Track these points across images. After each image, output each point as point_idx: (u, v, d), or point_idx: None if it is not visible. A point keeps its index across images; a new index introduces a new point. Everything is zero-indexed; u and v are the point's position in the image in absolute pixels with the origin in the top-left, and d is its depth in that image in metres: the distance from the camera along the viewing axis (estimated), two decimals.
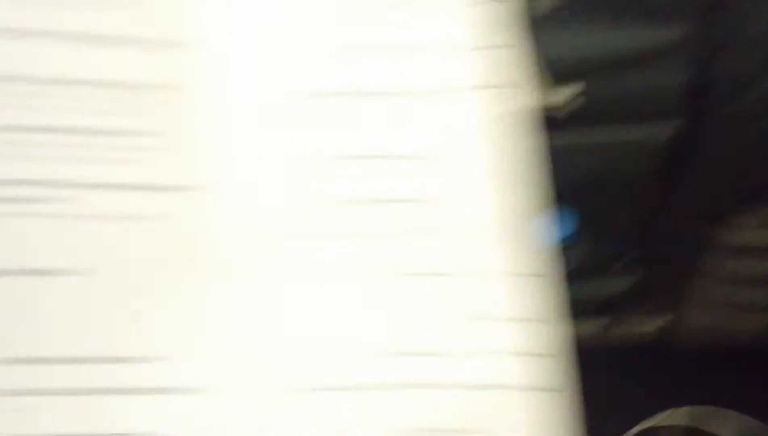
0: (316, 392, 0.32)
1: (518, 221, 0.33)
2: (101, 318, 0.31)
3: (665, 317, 0.51)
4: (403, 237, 0.33)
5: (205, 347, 0.32)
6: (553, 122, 0.40)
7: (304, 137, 0.33)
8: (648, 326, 0.50)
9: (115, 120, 0.32)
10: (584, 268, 0.49)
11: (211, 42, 0.34)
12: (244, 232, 0.33)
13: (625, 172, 0.48)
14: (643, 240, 0.50)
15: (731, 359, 0.50)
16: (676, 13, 0.44)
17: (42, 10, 0.32)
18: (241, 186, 0.33)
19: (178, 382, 0.32)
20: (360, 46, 0.34)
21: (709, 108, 0.45)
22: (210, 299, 0.32)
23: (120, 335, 0.31)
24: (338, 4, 0.35)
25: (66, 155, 0.32)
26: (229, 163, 0.33)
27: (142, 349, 0.31)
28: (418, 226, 0.33)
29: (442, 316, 0.33)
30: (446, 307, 0.33)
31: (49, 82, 0.32)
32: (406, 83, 0.34)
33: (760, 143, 0.46)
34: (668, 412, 0.42)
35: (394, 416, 0.32)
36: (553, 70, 0.43)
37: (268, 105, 0.34)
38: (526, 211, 0.33)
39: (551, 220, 0.38)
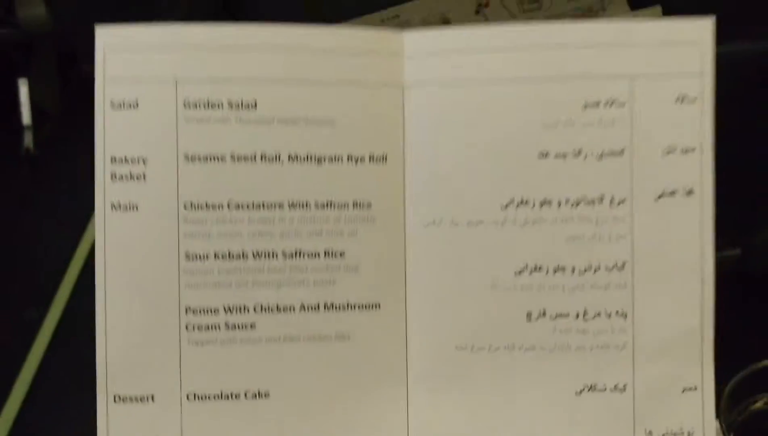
0: None
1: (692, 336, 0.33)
2: (293, 433, 0.34)
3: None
4: (588, 351, 0.34)
5: None
6: None
7: (490, 251, 0.34)
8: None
9: (312, 242, 0.34)
10: None
11: (411, 157, 0.34)
12: (428, 346, 0.34)
13: None
14: None
15: None
16: None
17: (257, 132, 0.33)
18: (425, 302, 0.34)
19: None
20: (555, 153, 0.34)
21: None
22: (390, 408, 0.34)
23: None
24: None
25: (271, 280, 0.33)
26: (416, 279, 0.34)
27: None
28: (603, 341, 0.34)
29: (611, 430, 0.34)
30: (616, 421, 0.34)
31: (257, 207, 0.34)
32: (596, 191, 0.34)
33: None
34: None
35: None
36: None
37: (450, 225, 0.34)
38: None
39: None
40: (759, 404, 0.42)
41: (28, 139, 0.81)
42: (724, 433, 0.39)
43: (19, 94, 0.80)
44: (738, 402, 0.42)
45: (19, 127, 0.81)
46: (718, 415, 0.37)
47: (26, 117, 0.81)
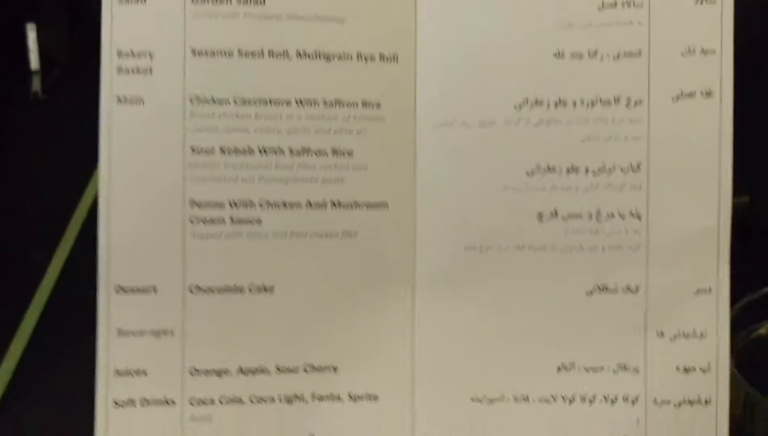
0: (493, 403, 0.33)
1: (708, 238, 0.33)
2: (298, 330, 0.33)
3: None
4: (600, 252, 0.33)
5: (387, 356, 0.34)
6: None
7: (502, 152, 0.33)
8: None
9: (320, 139, 0.33)
10: None
11: (423, 57, 0.34)
12: (437, 246, 0.33)
13: None
14: None
15: None
16: None
17: (265, 27, 0.33)
18: (434, 203, 0.34)
19: (359, 390, 0.34)
20: (570, 53, 0.33)
21: None
22: (396, 309, 0.34)
23: (312, 345, 0.33)
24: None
25: (277, 176, 0.33)
26: (425, 180, 0.34)
27: (330, 358, 0.33)
28: (616, 242, 0.33)
29: (622, 330, 0.33)
30: (627, 322, 0.33)
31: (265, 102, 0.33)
32: (612, 91, 0.33)
33: None
34: None
35: (570, 428, 0.34)
36: None
37: (461, 126, 0.33)
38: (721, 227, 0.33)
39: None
40: (763, 330, 0.42)
41: (36, 84, 0.80)
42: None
43: (27, 39, 0.80)
44: (740, 329, 0.41)
45: (28, 72, 0.81)
46: None
47: (34, 62, 0.80)
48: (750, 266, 0.35)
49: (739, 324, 0.40)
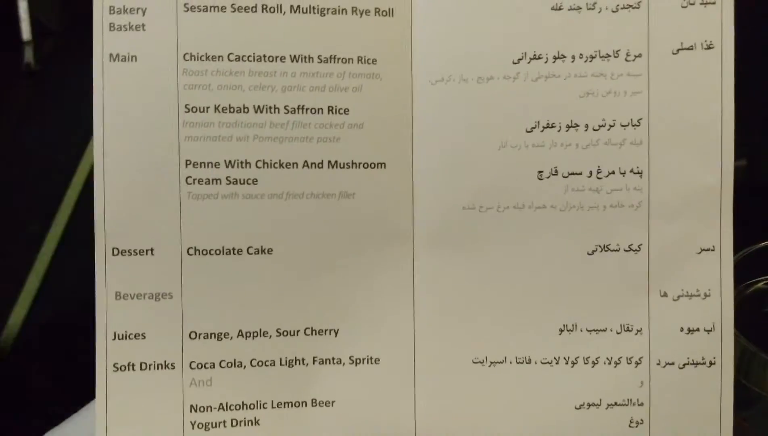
0: (495, 365, 0.33)
1: (710, 195, 0.32)
2: (297, 292, 0.33)
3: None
4: (601, 210, 0.33)
5: (387, 319, 0.33)
6: None
7: (501, 108, 0.33)
8: None
9: (315, 97, 0.32)
10: None
11: (419, 12, 0.33)
12: (435, 205, 0.33)
13: None
14: None
15: None
16: None
17: None
18: (432, 161, 0.33)
19: (360, 353, 0.33)
20: (569, 6, 0.33)
21: None
22: (396, 271, 0.33)
23: (312, 308, 0.33)
24: None
25: (273, 135, 0.32)
26: (422, 138, 0.33)
27: (330, 321, 0.33)
28: (617, 200, 0.33)
29: (624, 291, 0.33)
30: (629, 282, 0.33)
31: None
32: (611, 45, 0.32)
33: None
34: None
35: (573, 390, 0.33)
36: None
37: (459, 82, 0.33)
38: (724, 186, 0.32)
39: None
40: (760, 285, 0.42)
41: (28, 55, 0.79)
42: None
43: (19, 9, 0.79)
44: (738, 283, 0.41)
45: (20, 43, 0.80)
46: None
47: (26, 32, 0.80)
48: (746, 227, 0.35)
49: (735, 280, 0.40)
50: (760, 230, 0.42)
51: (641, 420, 0.33)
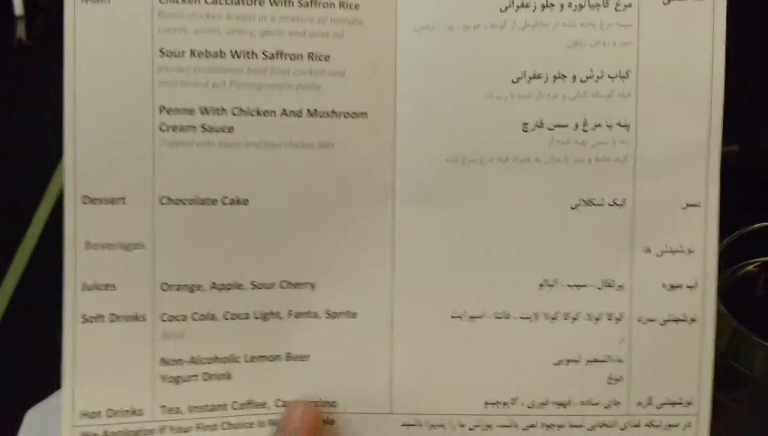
0: (473, 320, 0.32)
1: (698, 150, 0.31)
2: (273, 245, 0.32)
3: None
4: (586, 164, 0.32)
5: (366, 273, 0.33)
6: None
7: (487, 57, 0.32)
8: None
9: (295, 42, 0.31)
10: None
11: None
12: (417, 157, 0.32)
13: None
14: None
15: None
16: None
17: None
18: (415, 112, 0.32)
19: (337, 306, 0.33)
20: None
21: None
22: (375, 224, 0.32)
23: (288, 260, 0.32)
24: None
25: (250, 81, 0.31)
26: (406, 88, 0.32)
27: (307, 275, 0.32)
28: (603, 153, 0.32)
29: (607, 246, 0.32)
30: (612, 237, 0.32)
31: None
32: None
33: None
34: None
35: (552, 346, 0.32)
36: None
37: (445, 30, 0.32)
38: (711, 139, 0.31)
39: None
40: (751, 267, 0.41)
41: (20, 30, 0.79)
42: None
43: None
44: (728, 265, 0.40)
45: (12, 18, 0.79)
46: None
47: (18, 8, 0.79)
48: (737, 211, 0.34)
49: (726, 261, 0.39)
50: (751, 214, 0.41)
51: (621, 377, 0.32)
